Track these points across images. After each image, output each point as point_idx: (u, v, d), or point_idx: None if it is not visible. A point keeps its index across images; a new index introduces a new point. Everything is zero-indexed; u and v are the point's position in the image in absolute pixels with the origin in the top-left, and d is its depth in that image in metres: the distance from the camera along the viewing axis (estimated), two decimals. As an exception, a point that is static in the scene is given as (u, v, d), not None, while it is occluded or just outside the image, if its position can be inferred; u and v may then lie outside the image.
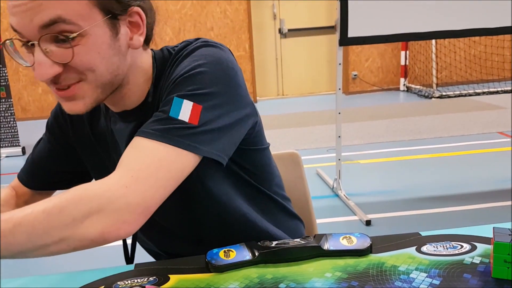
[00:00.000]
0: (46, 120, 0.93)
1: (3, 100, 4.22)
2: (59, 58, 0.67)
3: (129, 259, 0.92)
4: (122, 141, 0.83)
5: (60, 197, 0.63)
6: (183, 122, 0.69)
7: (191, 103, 0.70)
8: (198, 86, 0.71)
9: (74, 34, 0.66)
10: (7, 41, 0.70)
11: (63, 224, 0.62)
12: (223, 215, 0.85)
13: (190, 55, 0.75)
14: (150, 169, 0.66)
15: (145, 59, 0.79)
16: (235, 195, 0.85)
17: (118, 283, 0.71)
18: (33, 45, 0.67)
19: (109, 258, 2.27)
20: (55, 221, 0.61)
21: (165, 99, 0.72)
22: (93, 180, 0.94)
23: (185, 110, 0.69)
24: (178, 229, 0.88)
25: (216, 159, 0.72)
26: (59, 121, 0.91)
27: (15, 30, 0.67)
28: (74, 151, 0.92)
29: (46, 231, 0.61)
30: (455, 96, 5.65)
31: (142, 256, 0.94)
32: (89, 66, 0.69)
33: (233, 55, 0.79)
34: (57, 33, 0.66)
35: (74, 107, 0.72)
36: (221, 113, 0.72)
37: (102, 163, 0.89)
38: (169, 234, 0.89)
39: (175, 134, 0.68)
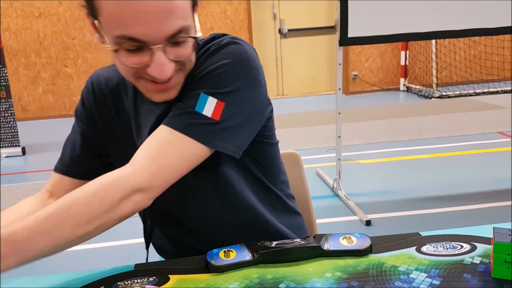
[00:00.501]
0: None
1: (3, 100, 4.22)
2: (177, 56, 0.74)
3: (149, 242, 0.95)
4: (148, 122, 0.85)
5: (96, 187, 0.70)
6: (206, 117, 0.76)
7: (215, 100, 0.76)
8: (224, 84, 0.77)
9: (198, 35, 0.75)
10: (120, 49, 0.72)
11: (103, 211, 0.69)
12: (232, 203, 0.87)
13: (220, 51, 0.80)
14: (172, 158, 0.74)
15: None
16: (244, 185, 0.88)
17: (118, 283, 0.72)
18: (142, 47, 0.71)
19: (109, 258, 2.28)
20: (97, 210, 0.68)
21: (192, 91, 0.78)
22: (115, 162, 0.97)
23: (209, 107, 0.76)
24: (190, 219, 0.90)
25: (231, 154, 0.79)
26: (86, 107, 0.93)
27: (130, 38, 0.70)
28: (102, 135, 0.93)
29: (89, 220, 0.68)
30: (455, 96, 5.65)
31: (143, 256, 0.94)
32: (192, 57, 0.78)
33: (256, 53, 0.85)
34: (182, 36, 0.72)
35: (168, 96, 0.79)
36: (242, 109, 0.79)
37: (123, 147, 0.91)
38: (182, 225, 0.91)
39: (197, 129, 0.76)
